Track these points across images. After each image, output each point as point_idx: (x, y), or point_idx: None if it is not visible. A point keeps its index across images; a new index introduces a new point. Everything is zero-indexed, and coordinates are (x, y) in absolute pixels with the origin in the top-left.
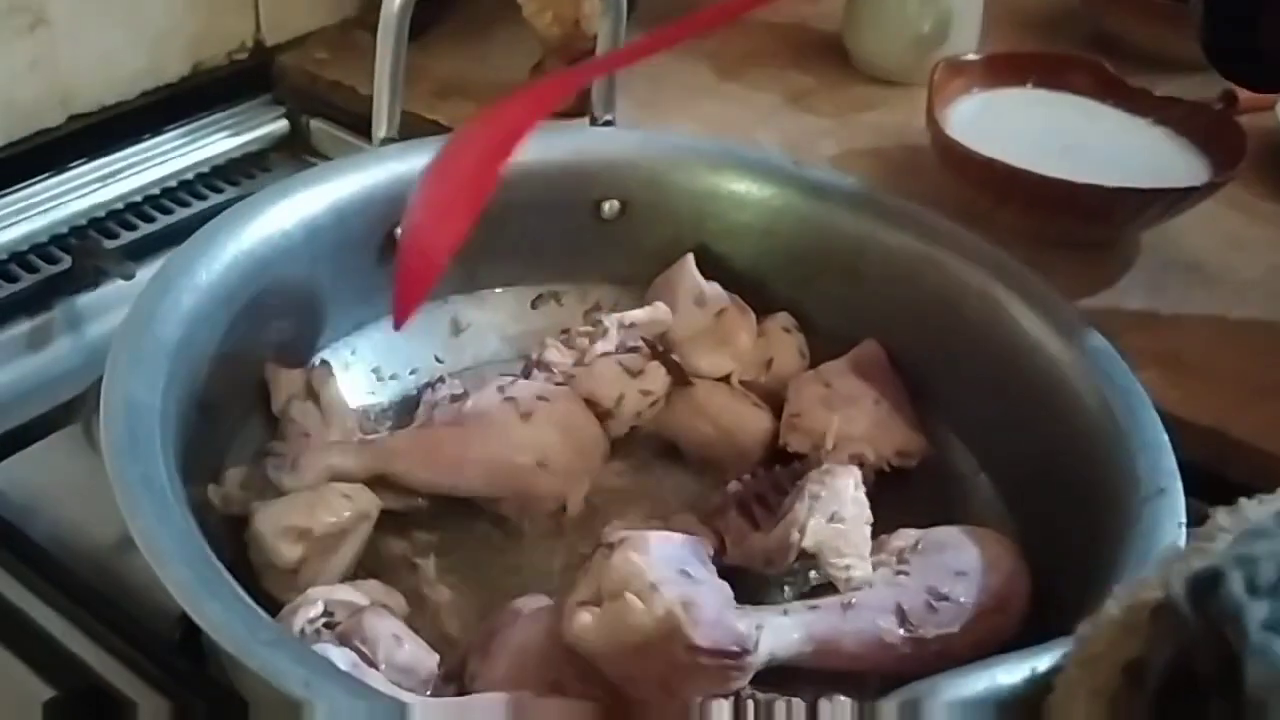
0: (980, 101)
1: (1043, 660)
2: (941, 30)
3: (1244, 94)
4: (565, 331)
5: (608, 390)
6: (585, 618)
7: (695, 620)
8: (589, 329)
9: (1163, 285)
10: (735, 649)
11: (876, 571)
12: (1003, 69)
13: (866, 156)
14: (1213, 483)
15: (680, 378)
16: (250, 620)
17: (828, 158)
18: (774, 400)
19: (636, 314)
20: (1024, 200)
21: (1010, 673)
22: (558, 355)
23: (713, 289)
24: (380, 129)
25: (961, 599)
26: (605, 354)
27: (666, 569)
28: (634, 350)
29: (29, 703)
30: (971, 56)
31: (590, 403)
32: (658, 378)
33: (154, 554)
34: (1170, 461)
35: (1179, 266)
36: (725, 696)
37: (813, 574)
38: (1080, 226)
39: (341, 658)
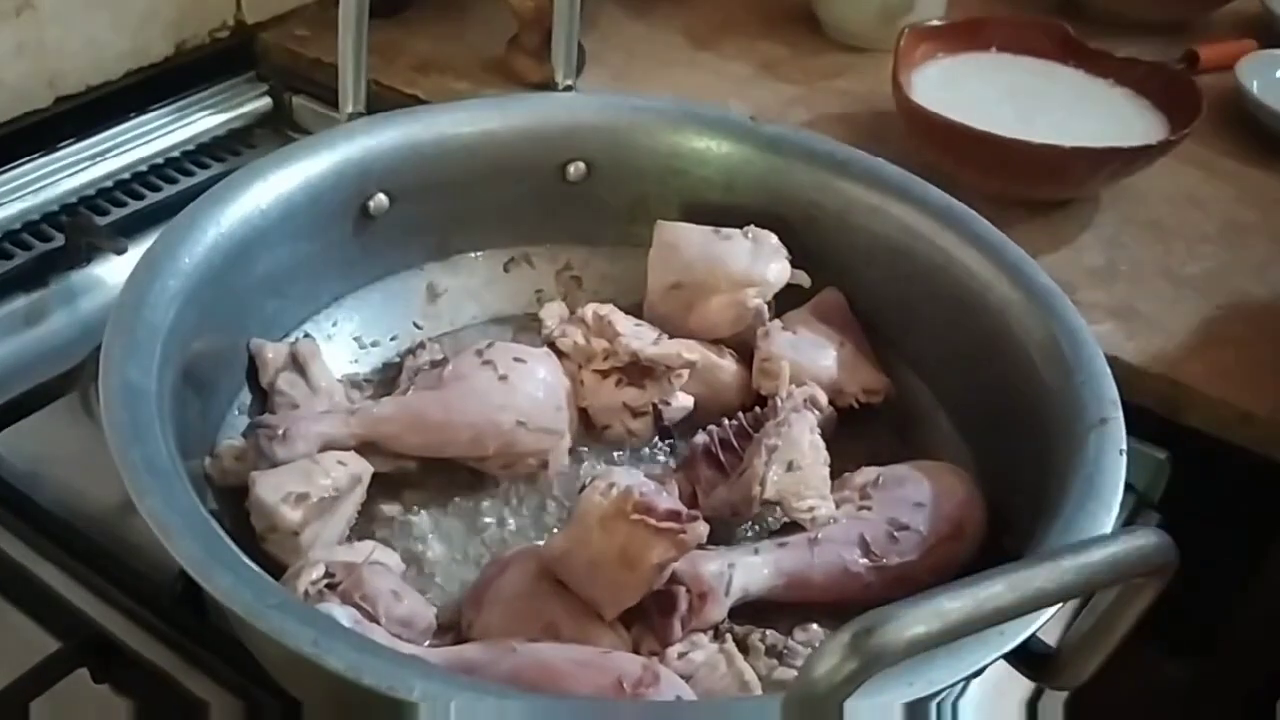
0: (945, 66)
1: (987, 589)
2: None
3: (1205, 53)
4: (576, 318)
5: (601, 417)
6: (556, 536)
7: (644, 494)
8: (605, 344)
9: (1121, 241)
10: (681, 509)
11: (840, 508)
12: (967, 34)
13: (835, 122)
14: (1166, 427)
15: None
16: (258, 586)
17: (798, 124)
18: (744, 350)
19: (657, 351)
20: (985, 162)
21: (955, 598)
22: (568, 345)
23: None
24: (347, 104)
25: (920, 528)
26: (608, 371)
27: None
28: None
29: (35, 655)
30: (936, 23)
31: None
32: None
33: (164, 530)
34: (1112, 392)
35: (1137, 223)
36: (706, 630)
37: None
38: (1040, 186)
39: (345, 615)
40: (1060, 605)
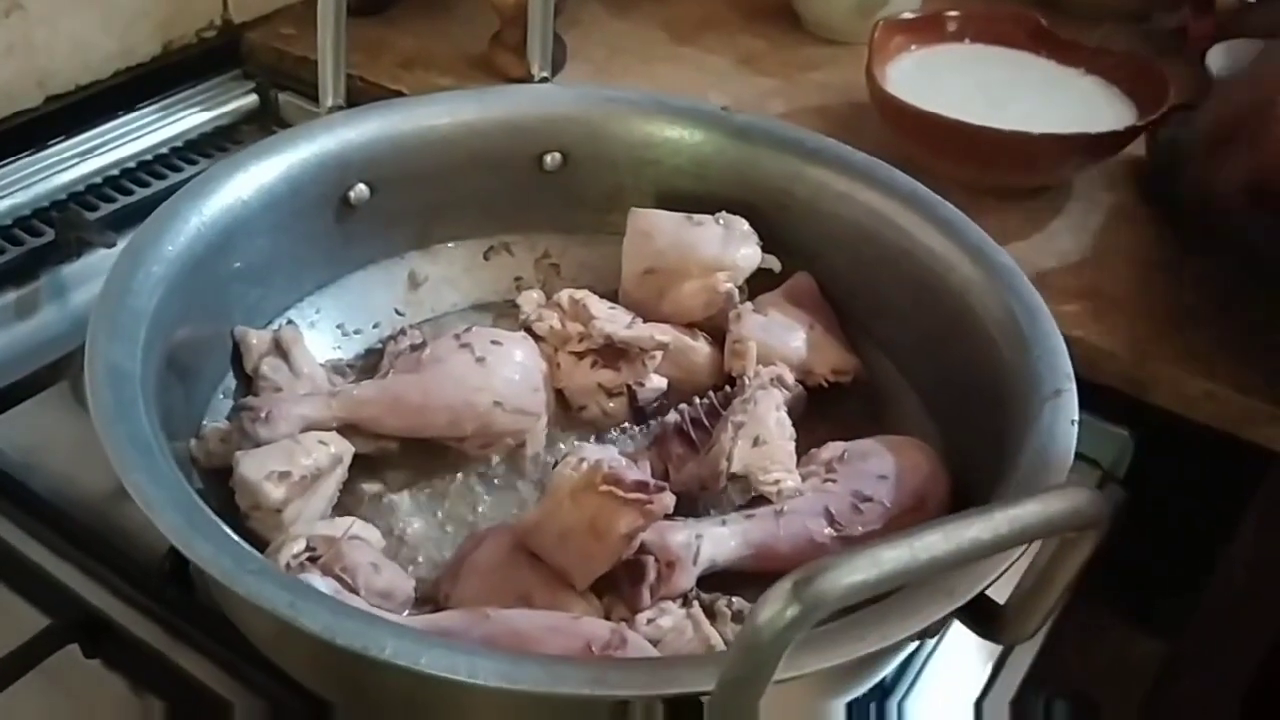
0: (919, 58)
1: (923, 539)
2: None
3: (1193, 29)
4: (552, 302)
5: (577, 398)
6: (530, 510)
7: (613, 466)
8: (580, 328)
9: (1090, 227)
10: (649, 481)
11: (806, 481)
12: (940, 26)
13: (813, 114)
14: (1133, 406)
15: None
16: (237, 554)
17: (776, 116)
18: (717, 334)
19: (631, 334)
20: (957, 150)
21: (892, 548)
22: (544, 329)
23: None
24: (327, 97)
25: (884, 500)
26: (584, 353)
27: (600, 454)
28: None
29: (28, 633)
30: (909, 15)
31: (558, 394)
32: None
33: (146, 502)
34: (1067, 366)
35: (1106, 209)
36: (675, 598)
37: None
38: (1011, 173)
39: (325, 586)
40: (1006, 565)
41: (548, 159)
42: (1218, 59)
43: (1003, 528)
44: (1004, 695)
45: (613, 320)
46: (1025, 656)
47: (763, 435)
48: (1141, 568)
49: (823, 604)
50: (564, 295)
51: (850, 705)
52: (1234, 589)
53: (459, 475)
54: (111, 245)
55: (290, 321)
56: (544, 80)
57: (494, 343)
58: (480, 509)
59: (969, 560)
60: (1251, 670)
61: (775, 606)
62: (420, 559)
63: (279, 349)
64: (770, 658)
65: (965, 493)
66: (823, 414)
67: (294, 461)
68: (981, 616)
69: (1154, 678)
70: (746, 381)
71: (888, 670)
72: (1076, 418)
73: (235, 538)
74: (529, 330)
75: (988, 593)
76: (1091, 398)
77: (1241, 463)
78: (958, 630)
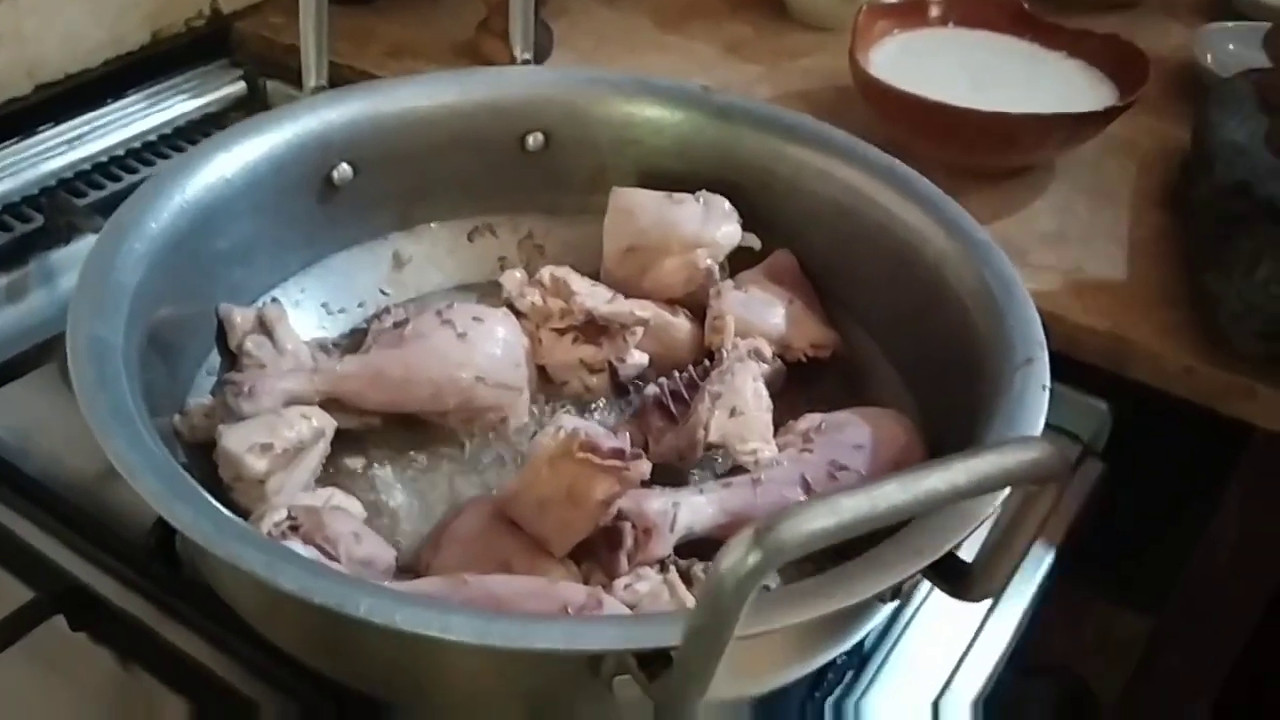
0: (902, 42)
1: (882, 489)
2: None
3: None
4: (534, 280)
5: (559, 373)
6: (510, 479)
7: (589, 434)
8: (562, 304)
9: (1072, 207)
10: (624, 448)
11: (783, 452)
12: (923, 10)
13: (798, 99)
14: (1113, 381)
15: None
16: (217, 518)
17: (762, 101)
18: (698, 311)
19: (611, 309)
20: (939, 131)
21: (851, 497)
22: (525, 306)
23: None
24: (310, 78)
25: (860, 469)
26: (565, 329)
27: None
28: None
29: (11, 605)
30: (893, 0)
31: (540, 370)
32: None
33: (128, 468)
34: (1039, 334)
35: (1089, 190)
36: (651, 565)
37: (719, 460)
38: (992, 154)
39: (307, 554)
40: (975, 525)
41: (530, 140)
42: (1205, 44)
43: (960, 478)
44: (964, 694)
45: (593, 296)
46: (1009, 634)
47: (739, 406)
48: (1124, 543)
49: (783, 550)
50: (545, 272)
51: (825, 670)
52: (1217, 564)
53: (441, 450)
54: (100, 229)
55: (275, 300)
56: (527, 62)
57: (475, 319)
58: (462, 483)
59: (927, 509)
60: (1236, 645)
61: (737, 554)
62: (403, 532)
63: (263, 327)
64: (734, 605)
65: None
66: (801, 388)
67: (276, 434)
68: (949, 574)
69: (1139, 654)
70: (725, 354)
71: (862, 634)
72: (1048, 383)
73: (216, 504)
74: (511, 307)
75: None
76: (1072, 373)
77: (1221, 438)
78: (935, 606)
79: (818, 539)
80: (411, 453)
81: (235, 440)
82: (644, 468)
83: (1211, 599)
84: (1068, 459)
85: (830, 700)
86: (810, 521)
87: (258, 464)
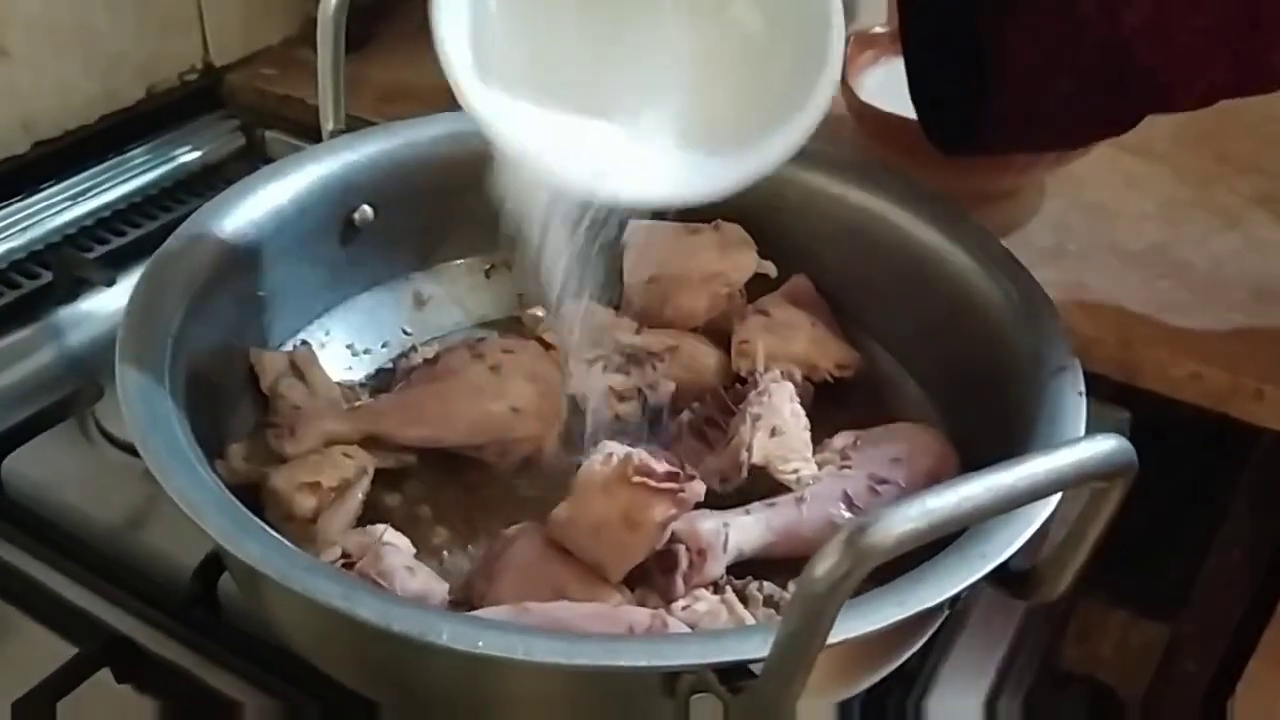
0: (891, 69)
1: (966, 490)
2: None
3: None
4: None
5: (591, 401)
6: (560, 506)
7: (642, 458)
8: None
9: (1068, 224)
10: (677, 469)
11: (822, 469)
12: None
13: None
14: (1123, 390)
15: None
16: (287, 553)
17: None
18: (719, 338)
19: (639, 338)
20: (933, 154)
21: (938, 498)
22: (554, 338)
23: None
24: (328, 122)
25: (900, 482)
26: (594, 359)
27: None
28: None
29: (56, 662)
30: (879, 29)
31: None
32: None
33: (192, 507)
34: (1067, 343)
35: (1082, 207)
36: (706, 586)
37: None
38: (987, 175)
39: None
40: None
41: None
42: None
43: (1039, 477)
44: (1016, 695)
45: (619, 327)
46: (1031, 651)
47: (780, 426)
48: (1140, 551)
49: (877, 553)
50: (569, 306)
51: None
52: (1231, 566)
53: (478, 483)
54: (111, 284)
55: (304, 342)
56: None
57: (506, 351)
58: (501, 515)
59: (1009, 507)
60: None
61: (832, 559)
62: (446, 565)
63: (295, 369)
64: (829, 609)
65: (974, 468)
66: (830, 409)
67: (323, 473)
68: (1013, 578)
69: (1158, 662)
70: (758, 376)
71: (916, 647)
72: (1083, 389)
73: (280, 537)
74: (539, 340)
75: None
76: (1085, 385)
77: (1232, 440)
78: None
79: (908, 540)
80: (447, 488)
81: (284, 480)
82: (699, 489)
83: (1226, 602)
84: (1134, 455)
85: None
86: (903, 524)
87: (307, 503)
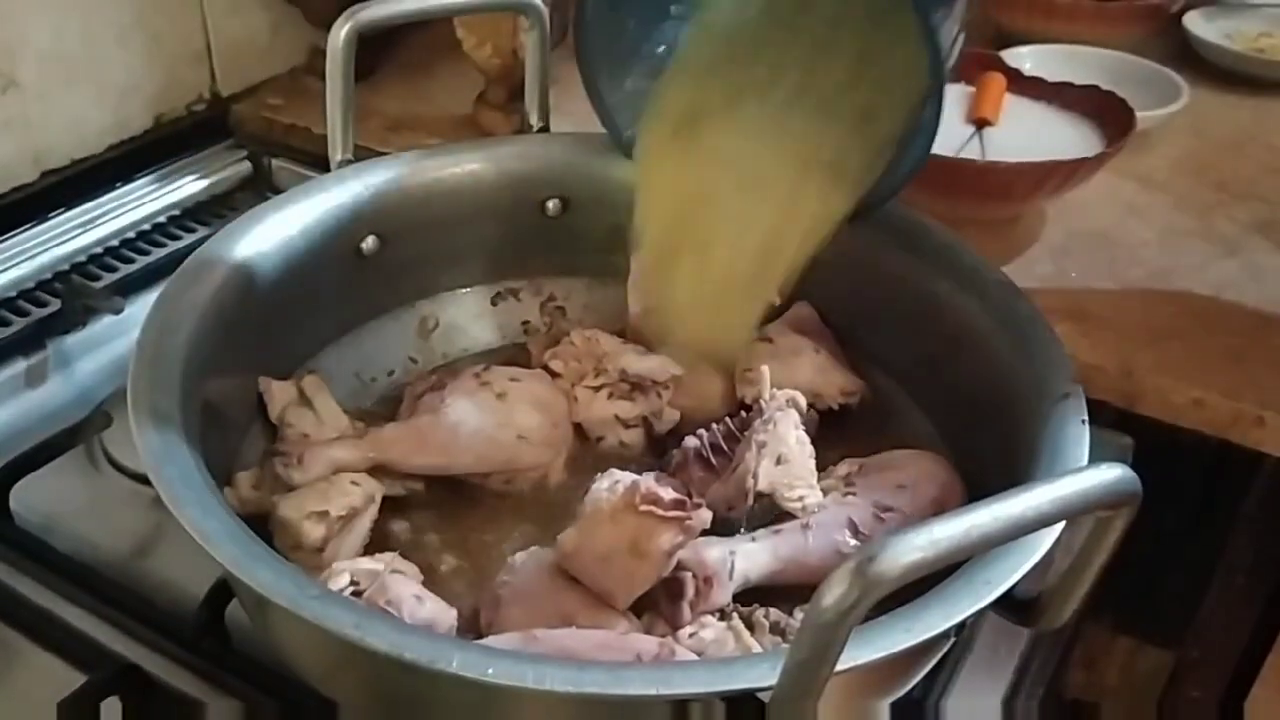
0: None
1: (974, 518)
2: None
3: None
4: (565, 340)
5: (596, 430)
6: (566, 530)
7: (649, 486)
8: (595, 363)
9: (1069, 251)
10: (684, 496)
11: (827, 496)
12: None
13: None
14: (1124, 416)
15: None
16: (298, 581)
17: None
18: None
19: (644, 366)
20: (935, 183)
21: (945, 527)
22: (560, 366)
23: None
24: (336, 153)
25: (904, 509)
26: (600, 386)
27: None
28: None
29: (64, 689)
30: None
31: (576, 427)
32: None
33: (204, 535)
34: (1070, 371)
35: (1082, 234)
36: (713, 613)
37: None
38: (988, 203)
39: None
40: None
41: (549, 205)
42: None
43: (1045, 506)
44: (1034, 695)
45: (625, 354)
46: (1036, 678)
47: (785, 453)
48: (1142, 577)
49: (885, 581)
50: (576, 334)
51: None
52: (1234, 592)
53: (484, 510)
54: (119, 311)
55: (311, 371)
56: (543, 129)
57: (513, 379)
58: (507, 543)
59: (1016, 536)
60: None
61: (840, 587)
62: (453, 593)
63: (302, 397)
64: (837, 638)
65: (979, 494)
66: (834, 436)
67: (331, 501)
68: (1017, 606)
69: (1161, 690)
70: (764, 404)
71: (919, 676)
72: (1086, 417)
73: (291, 566)
74: (545, 367)
75: None
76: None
77: (1234, 468)
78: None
79: (916, 569)
80: (454, 515)
81: (292, 509)
82: (705, 516)
83: (1230, 628)
84: (1139, 484)
85: None
86: (910, 552)
87: (315, 531)
